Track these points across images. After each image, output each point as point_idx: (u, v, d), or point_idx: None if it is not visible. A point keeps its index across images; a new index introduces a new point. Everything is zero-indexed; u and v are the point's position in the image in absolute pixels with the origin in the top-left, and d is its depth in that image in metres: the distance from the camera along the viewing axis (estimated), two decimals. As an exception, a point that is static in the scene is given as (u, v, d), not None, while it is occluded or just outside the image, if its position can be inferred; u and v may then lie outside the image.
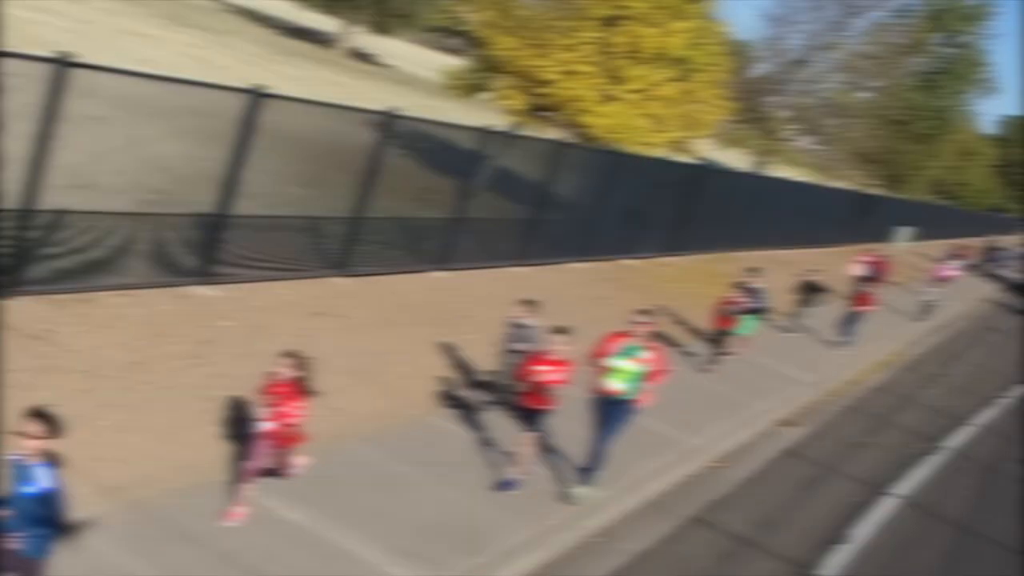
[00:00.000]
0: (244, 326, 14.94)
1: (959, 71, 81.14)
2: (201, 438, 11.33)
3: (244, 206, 15.72)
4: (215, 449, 11.19)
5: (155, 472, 10.25)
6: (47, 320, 12.62)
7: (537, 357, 10.22)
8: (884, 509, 17.26)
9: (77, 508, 9.35)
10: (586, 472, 11.22)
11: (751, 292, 19.94)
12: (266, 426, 9.48)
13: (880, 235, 61.17)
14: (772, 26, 60.37)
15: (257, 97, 14.96)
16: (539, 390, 10.00)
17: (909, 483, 19.34)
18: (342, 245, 18.46)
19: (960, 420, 25.93)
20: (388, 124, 18.39)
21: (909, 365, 30.99)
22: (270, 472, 9.92)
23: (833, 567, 14.33)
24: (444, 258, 21.44)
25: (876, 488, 18.38)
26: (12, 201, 12.32)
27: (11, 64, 11.50)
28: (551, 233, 24.87)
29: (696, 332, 23.74)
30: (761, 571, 13.65)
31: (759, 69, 55.67)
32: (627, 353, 10.61)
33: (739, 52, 43.41)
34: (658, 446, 16.29)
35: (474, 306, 19.78)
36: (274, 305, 16.19)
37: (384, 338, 16.36)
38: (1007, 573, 16.39)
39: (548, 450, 11.72)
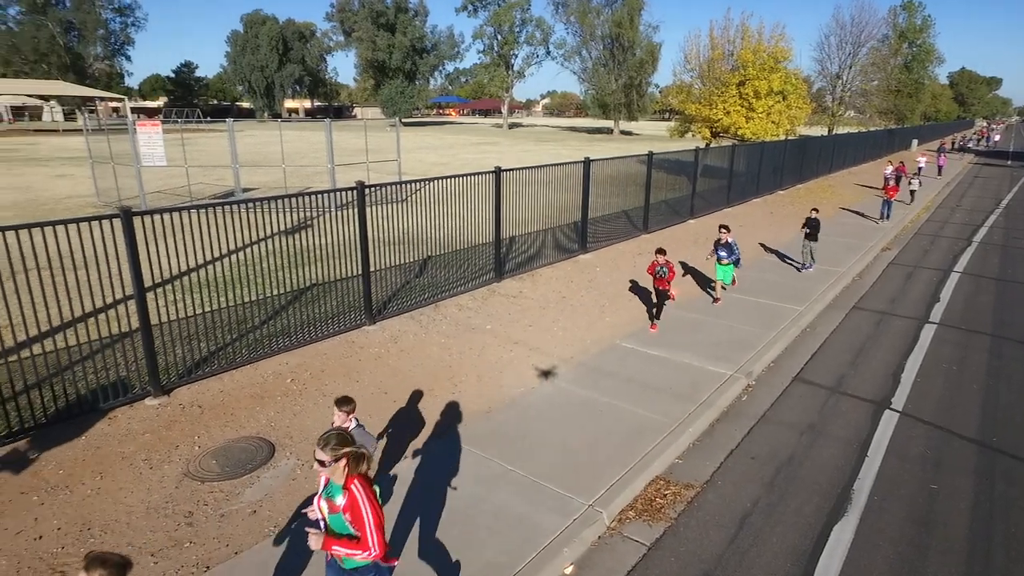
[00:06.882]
0: (606, 268, 13.78)
1: (921, 57, 70.91)
2: (604, 326, 10.32)
3: (592, 213, 14.69)
4: (613, 331, 10.11)
5: (584, 347, 9.36)
6: (517, 288, 11.94)
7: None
8: (952, 280, 14.27)
9: (550, 370, 8.75)
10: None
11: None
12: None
13: (903, 146, 54.98)
14: (818, 60, 57.13)
15: (588, 162, 14.07)
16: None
17: (961, 263, 16.02)
18: (642, 219, 17.07)
19: (978, 226, 21.42)
20: (650, 158, 16.80)
21: (937, 207, 25.94)
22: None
23: (935, 316, 11.72)
24: (691, 212, 19.51)
25: (946, 270, 15.21)
26: (495, 237, 11.92)
27: (475, 179, 11.13)
28: (737, 188, 22.41)
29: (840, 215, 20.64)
30: (898, 323, 11.17)
31: (818, 84, 50.03)
32: (328, 494, 3.39)
33: (806, 79, 38.59)
34: (833, 264, 13.97)
35: (711, 234, 17.84)
36: (617, 255, 14.93)
37: (679, 254, 14.63)
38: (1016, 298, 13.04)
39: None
